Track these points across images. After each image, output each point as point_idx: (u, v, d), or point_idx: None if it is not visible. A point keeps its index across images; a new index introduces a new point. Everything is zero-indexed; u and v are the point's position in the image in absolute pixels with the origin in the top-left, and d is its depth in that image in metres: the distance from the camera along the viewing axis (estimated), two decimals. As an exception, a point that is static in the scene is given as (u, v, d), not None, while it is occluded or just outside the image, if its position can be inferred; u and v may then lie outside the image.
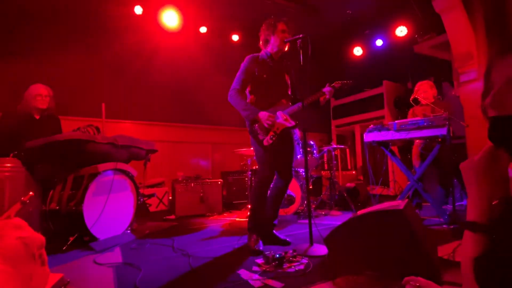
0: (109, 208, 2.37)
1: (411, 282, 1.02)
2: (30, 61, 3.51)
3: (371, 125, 3.02)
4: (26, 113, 2.60)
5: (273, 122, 2.09)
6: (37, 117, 2.65)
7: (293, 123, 2.17)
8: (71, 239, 2.16)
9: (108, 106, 3.09)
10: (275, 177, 2.27)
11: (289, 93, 2.34)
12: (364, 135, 3.06)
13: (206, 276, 1.58)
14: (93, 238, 2.23)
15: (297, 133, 3.67)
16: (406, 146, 3.47)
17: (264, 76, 2.22)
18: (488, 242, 0.64)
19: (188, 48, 4.74)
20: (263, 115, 2.08)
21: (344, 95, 5.96)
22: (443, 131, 2.51)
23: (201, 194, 3.67)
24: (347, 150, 5.71)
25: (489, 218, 0.66)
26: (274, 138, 2.10)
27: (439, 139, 2.62)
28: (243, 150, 3.56)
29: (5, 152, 2.33)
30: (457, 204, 3.21)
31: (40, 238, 0.31)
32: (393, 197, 4.31)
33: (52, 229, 2.26)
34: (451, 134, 2.59)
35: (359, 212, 1.68)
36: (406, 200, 1.67)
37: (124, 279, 1.56)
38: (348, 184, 3.98)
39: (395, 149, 3.92)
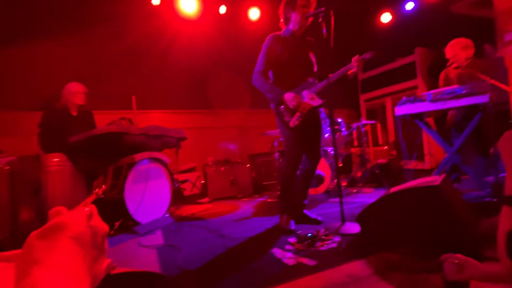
0: (147, 194, 2.53)
1: (449, 259, 1.00)
2: (60, 59, 3.71)
3: (403, 97, 2.86)
4: (65, 110, 2.79)
5: (299, 103, 2.05)
6: (74, 113, 2.83)
7: (319, 101, 2.11)
8: (117, 224, 2.35)
9: (138, 98, 3.21)
10: (303, 158, 2.26)
11: (315, 70, 2.27)
12: (396, 108, 2.91)
13: (240, 256, 1.66)
14: (136, 223, 2.40)
15: (324, 111, 3.58)
16: (442, 117, 3.26)
17: (287, 55, 2.16)
18: None
19: (210, 32, 4.72)
20: (288, 96, 2.05)
21: (372, 67, 5.65)
22: (484, 99, 2.31)
23: (232, 177, 3.78)
24: (378, 125, 5.48)
25: None
26: (300, 119, 2.07)
27: (480, 108, 2.43)
28: (269, 131, 3.56)
29: (50, 147, 2.55)
30: (500, 175, 3.01)
31: (105, 227, 0.35)
32: (428, 171, 4.12)
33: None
34: (493, 101, 2.39)
35: (393, 189, 1.64)
36: (443, 174, 1.60)
37: (167, 259, 1.69)
38: (380, 160, 3.86)
39: (430, 120, 3.70)
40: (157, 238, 2.14)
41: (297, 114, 2.07)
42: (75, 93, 2.77)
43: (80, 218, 0.34)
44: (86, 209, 0.38)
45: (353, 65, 2.08)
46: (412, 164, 4.31)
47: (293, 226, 2.09)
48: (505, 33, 3.27)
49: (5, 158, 2.12)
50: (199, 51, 4.64)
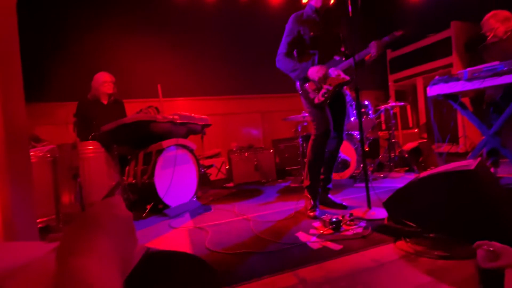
0: (176, 179, 2.64)
1: (483, 247, 0.96)
2: (91, 50, 3.86)
3: (436, 76, 2.69)
4: (96, 100, 2.93)
5: (324, 74, 1.98)
6: (105, 102, 2.97)
7: (347, 78, 2.03)
8: (148, 207, 2.48)
9: (163, 86, 3.29)
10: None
11: (342, 49, 2.18)
12: (428, 88, 2.75)
13: (266, 238, 1.70)
14: (166, 206, 2.53)
15: (349, 93, 3.46)
16: (479, 97, 3.03)
17: (312, 34, 2.09)
18: None
19: (230, 18, 4.67)
20: (312, 70, 1.99)
21: (402, 44, 5.32)
22: (529, 76, 2.11)
23: (255, 162, 3.82)
24: (408, 106, 5.22)
25: None
26: (326, 95, 2.01)
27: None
28: (292, 116, 3.53)
29: (85, 135, 2.71)
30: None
31: (129, 213, 0.39)
32: (463, 155, 3.90)
33: (132, 199, 2.62)
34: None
35: (423, 174, 1.58)
36: (479, 158, 1.51)
37: (195, 240, 1.78)
38: (410, 144, 3.70)
39: (466, 100, 3.46)
40: (186, 221, 2.25)
41: (323, 90, 2.02)
42: (103, 82, 2.89)
43: (105, 209, 0.37)
44: (114, 198, 0.41)
45: (370, 50, 1.97)
46: (445, 148, 4.09)
47: (318, 212, 2.06)
48: (557, 0, 2.93)
49: (47, 146, 2.29)
50: (222, 37, 4.62)
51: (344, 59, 2.10)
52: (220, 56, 4.64)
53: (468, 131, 4.13)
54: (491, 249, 0.90)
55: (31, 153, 2.23)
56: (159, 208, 2.55)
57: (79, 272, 0.26)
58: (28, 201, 1.12)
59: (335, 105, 2.15)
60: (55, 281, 0.25)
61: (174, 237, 1.90)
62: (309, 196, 2.14)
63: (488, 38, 2.67)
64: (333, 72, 2.03)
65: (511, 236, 1.21)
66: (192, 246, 1.70)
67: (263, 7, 4.82)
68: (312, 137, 2.14)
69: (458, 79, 2.52)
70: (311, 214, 2.02)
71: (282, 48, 2.14)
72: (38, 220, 2.19)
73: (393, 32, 1.96)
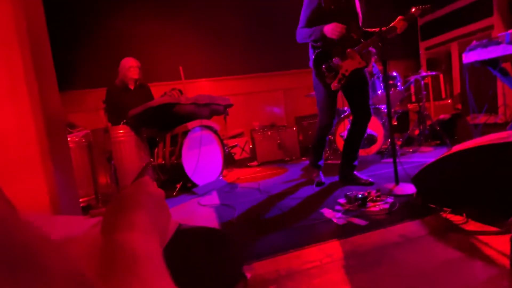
0: (202, 159, 2.72)
1: (520, 221, 0.92)
2: (115, 36, 3.95)
3: (474, 41, 2.47)
4: (123, 85, 3.03)
5: (341, 32, 1.91)
6: (132, 87, 3.07)
7: (364, 63, 1.97)
8: (178, 186, 2.61)
9: (185, 68, 3.32)
10: (351, 118, 2.21)
11: (360, 25, 2.07)
12: (464, 55, 2.54)
13: (291, 215, 1.73)
14: (194, 185, 2.64)
15: (375, 65, 3.29)
16: (524, 61, 2.75)
17: (332, 7, 1.99)
18: None
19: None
20: (328, 27, 1.91)
21: (435, 8, 4.87)
22: None
23: (279, 141, 3.82)
24: (441, 76, 4.87)
25: None
26: (342, 82, 1.97)
27: None
28: (314, 92, 3.43)
29: (115, 120, 2.84)
30: None
31: (161, 191, 0.42)
32: (502, 125, 3.63)
33: (162, 178, 2.76)
34: None
35: (456, 148, 1.50)
36: (520, 129, 1.40)
37: (223, 216, 1.85)
38: (442, 116, 3.50)
39: (507, 66, 3.16)
40: (214, 198, 2.34)
41: (339, 76, 1.97)
42: (129, 67, 2.97)
43: (139, 188, 0.40)
44: (145, 178, 0.44)
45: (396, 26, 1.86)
46: (482, 119, 3.83)
47: (323, 178, 2.32)
48: None
49: (82, 132, 2.44)
50: (241, 15, 4.51)
51: (361, 39, 2.04)
52: (240, 34, 4.55)
53: (509, 99, 3.81)
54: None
55: (68, 139, 2.39)
56: (188, 187, 2.67)
57: (126, 245, 0.28)
58: (70, 183, 1.22)
59: (354, 85, 2.09)
60: (103, 254, 0.28)
61: (203, 214, 1.99)
62: (314, 167, 2.41)
63: None
64: (351, 55, 1.98)
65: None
66: (220, 222, 1.78)
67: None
68: (317, 125, 2.29)
69: (499, 43, 2.30)
70: (318, 181, 2.28)
71: (302, 22, 2.10)
72: (80, 200, 2.39)
73: (421, 6, 1.83)
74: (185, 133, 2.62)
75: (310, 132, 4.28)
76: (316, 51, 2.07)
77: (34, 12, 1.11)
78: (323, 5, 1.99)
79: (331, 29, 1.89)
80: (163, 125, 2.78)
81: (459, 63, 4.64)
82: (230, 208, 2.01)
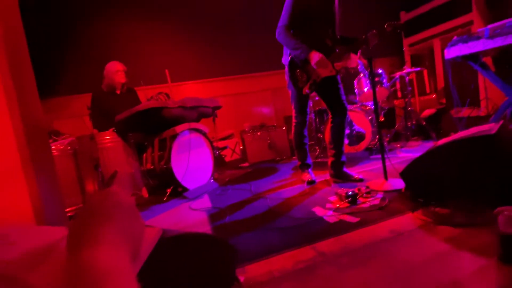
0: (192, 162, 2.69)
1: (505, 212, 0.95)
2: (100, 41, 3.87)
3: (454, 37, 2.53)
4: (110, 90, 2.97)
5: (326, 67, 1.99)
6: (118, 92, 3.01)
7: (334, 72, 2.07)
8: (168, 191, 2.57)
9: (171, 70, 3.28)
10: (329, 115, 2.29)
11: (336, 30, 2.12)
12: (446, 50, 2.60)
13: (283, 214, 1.73)
14: (185, 189, 2.60)
15: (361, 63, 3.34)
16: (502, 55, 2.84)
17: (312, 8, 2.02)
18: None
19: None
20: (315, 55, 1.95)
21: (417, 4, 4.98)
22: (559, 27, 1.95)
23: (269, 141, 3.82)
24: (425, 71, 4.98)
25: None
26: (313, 88, 2.06)
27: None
28: (304, 91, 3.45)
29: (101, 126, 2.78)
30: None
31: (131, 200, 0.40)
32: (485, 118, 3.73)
33: (152, 184, 2.72)
34: None
35: (441, 141, 1.53)
36: (501, 121, 1.44)
37: (214, 220, 1.84)
38: (427, 111, 3.57)
39: (487, 60, 3.26)
40: (205, 202, 2.32)
41: (311, 81, 2.03)
42: (116, 71, 2.91)
43: (105, 198, 0.39)
44: (112, 188, 0.42)
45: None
46: (465, 112, 3.92)
47: (313, 176, 2.34)
48: None
49: (67, 139, 2.38)
50: (227, 15, 4.49)
51: (336, 45, 2.13)
52: (226, 35, 4.53)
53: (490, 93, 3.92)
54: (513, 214, 0.88)
55: (53, 147, 2.33)
56: (179, 191, 2.63)
57: (90, 263, 0.27)
58: (55, 192, 1.18)
59: (326, 88, 2.17)
60: (67, 274, 0.27)
61: (194, 218, 1.97)
62: (303, 168, 2.44)
63: None
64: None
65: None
66: (212, 225, 1.76)
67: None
68: (293, 123, 2.38)
69: (478, 38, 2.37)
70: (309, 180, 2.28)
71: (284, 19, 2.07)
72: (67, 209, 2.33)
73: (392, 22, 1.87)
74: (174, 137, 2.58)
75: (299, 131, 4.30)
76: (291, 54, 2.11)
77: (10, 17, 1.07)
78: (305, 7, 2.01)
79: (318, 61, 1.94)
80: (151, 130, 2.74)
81: (442, 59, 4.75)
82: (222, 211, 1.99)
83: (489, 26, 2.28)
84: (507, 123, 1.49)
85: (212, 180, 2.92)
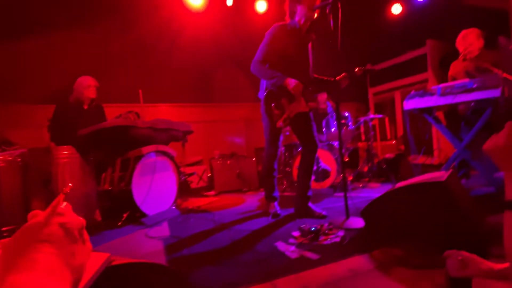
0: (154, 186, 2.57)
1: (453, 256, 1.00)
2: (70, 53, 3.76)
3: (412, 91, 2.81)
4: (77, 103, 2.84)
5: (300, 91, 2.08)
6: (86, 107, 2.88)
7: (307, 109, 2.20)
8: (125, 215, 2.40)
9: (145, 91, 3.23)
10: (301, 150, 2.36)
11: (311, 70, 2.28)
12: (404, 102, 2.86)
13: (245, 248, 1.68)
14: (143, 214, 2.45)
15: (330, 105, 3.55)
16: (452, 111, 3.19)
17: (292, 48, 2.15)
18: None
19: (217, 25, 4.69)
20: (291, 81, 2.06)
21: (382, 60, 5.54)
22: (496, 93, 2.25)
23: (238, 171, 3.80)
24: (386, 119, 5.40)
25: None
26: (287, 122, 2.14)
27: (491, 102, 2.37)
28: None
29: (61, 140, 2.60)
30: None
31: (80, 221, 0.37)
32: (437, 166, 4.06)
33: (108, 207, 2.53)
34: (506, 95, 2.32)
35: (398, 185, 1.63)
36: (450, 170, 1.57)
37: (172, 250, 1.73)
38: (388, 155, 3.81)
39: (440, 114, 3.62)
40: (164, 230, 2.18)
41: (284, 116, 2.13)
42: (87, 86, 2.82)
43: (48, 220, 0.36)
44: (60, 207, 0.39)
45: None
46: (421, 159, 4.25)
47: (278, 209, 2.33)
48: (520, 25, 3.16)
49: (17, 150, 2.18)
50: (206, 45, 4.63)
51: (309, 84, 2.26)
52: (205, 63, 4.64)
53: (442, 144, 4.33)
54: (460, 258, 0.93)
55: (0, 157, 2.11)
56: (136, 217, 2.47)
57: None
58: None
59: (299, 124, 2.27)
60: None
61: (150, 247, 1.84)
62: (269, 200, 2.42)
63: (463, 53, 2.82)
64: (297, 99, 2.17)
65: (479, 246, 1.27)
66: (168, 256, 1.65)
67: (248, 15, 4.88)
68: (264, 155, 2.40)
69: (432, 94, 2.65)
70: (274, 213, 2.27)
71: (260, 55, 2.18)
72: (5, 228, 2.07)
73: (363, 67, 2.11)
74: (138, 158, 2.48)
75: (268, 164, 4.34)
76: (268, 89, 2.20)
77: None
78: (284, 44, 2.15)
79: (295, 86, 2.06)
80: (114, 148, 2.61)
81: (402, 109, 5.22)
82: (181, 241, 1.89)
83: (441, 85, 2.57)
84: (455, 172, 1.64)
85: (174, 207, 2.79)
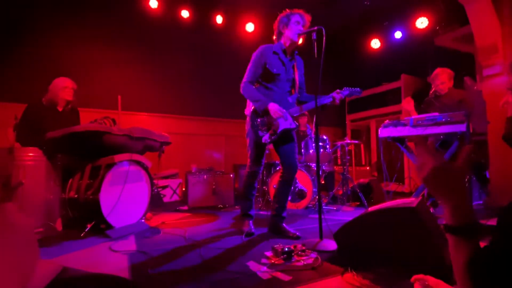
0: (124, 197, 2.45)
1: (420, 281, 1.01)
2: (47, 54, 3.63)
3: (387, 120, 2.95)
4: (51, 105, 2.70)
5: (280, 116, 2.11)
6: (60, 109, 2.75)
7: (294, 125, 2.22)
8: (89, 226, 2.25)
9: (124, 98, 3.16)
10: (281, 170, 2.35)
11: (296, 91, 2.34)
12: (379, 130, 2.99)
13: (215, 267, 1.61)
14: (109, 226, 2.31)
15: (309, 127, 3.63)
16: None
17: (275, 70, 2.21)
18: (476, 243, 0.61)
19: (203, 40, 4.76)
20: (273, 106, 2.09)
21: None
22: (462, 128, 2.42)
23: (214, 186, 3.72)
24: (362, 145, 5.60)
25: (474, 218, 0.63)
26: (272, 137, 2.14)
27: (458, 136, 2.53)
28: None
29: (28, 141, 2.44)
30: (474, 203, 3.11)
31: (29, 222, 0.33)
32: (408, 194, 4.21)
33: (71, 216, 2.36)
34: (471, 131, 2.49)
35: (371, 209, 1.66)
36: (420, 197, 1.63)
37: (137, 266, 1.62)
38: (362, 180, 3.92)
39: (411, 145, 3.81)
40: (130, 244, 2.06)
41: (271, 131, 2.14)
42: (64, 88, 2.71)
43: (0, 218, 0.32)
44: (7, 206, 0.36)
45: (334, 97, 2.20)
46: (392, 186, 4.40)
47: (253, 229, 2.28)
48: (484, 68, 3.48)
49: (-25, 148, 2.01)
50: (190, 58, 4.65)
51: (295, 103, 2.33)
52: (187, 74, 4.64)
53: (413, 173, 4.52)
54: (427, 283, 0.94)
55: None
56: (101, 228, 2.32)
57: None
58: None
59: (283, 141, 2.28)
60: None
61: (112, 262, 1.72)
62: (245, 218, 2.37)
63: (433, 90, 3.03)
64: (285, 116, 2.19)
65: (445, 271, 1.30)
66: (132, 272, 1.54)
67: (235, 32, 5.00)
68: (246, 172, 2.37)
69: (405, 125, 2.80)
70: (248, 232, 2.22)
71: (247, 76, 2.24)
72: None
73: (353, 88, 2.22)
74: (110, 166, 2.36)
75: (245, 181, 4.31)
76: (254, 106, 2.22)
77: None
78: (268, 66, 2.21)
79: (274, 111, 2.09)
80: (85, 154, 2.48)
81: (376, 137, 5.45)
82: (147, 256, 1.78)
83: (413, 116, 2.73)
84: (424, 200, 1.70)
85: (143, 220, 2.65)
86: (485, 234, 0.63)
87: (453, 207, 0.65)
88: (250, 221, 2.37)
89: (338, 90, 2.23)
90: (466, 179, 2.71)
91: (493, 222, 2.41)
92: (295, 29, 2.17)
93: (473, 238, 0.62)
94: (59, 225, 2.30)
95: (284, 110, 2.15)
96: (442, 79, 3.00)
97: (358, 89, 2.32)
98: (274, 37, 2.31)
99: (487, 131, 3.30)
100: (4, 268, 0.26)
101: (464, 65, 4.31)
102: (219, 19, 4.77)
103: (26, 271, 0.31)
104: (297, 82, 2.34)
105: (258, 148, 2.28)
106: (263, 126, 2.17)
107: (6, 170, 2.24)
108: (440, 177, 0.65)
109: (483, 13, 3.28)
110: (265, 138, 2.14)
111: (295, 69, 2.33)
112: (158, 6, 4.28)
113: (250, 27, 5.00)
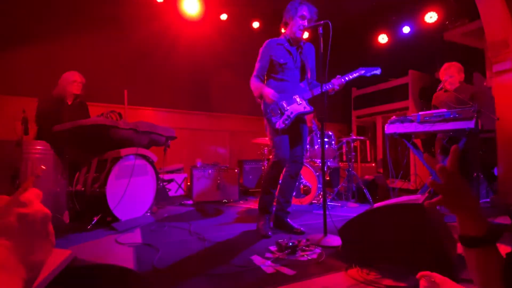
0: (130, 191, 2.47)
1: (425, 278, 1.00)
2: (57, 48, 3.65)
3: (394, 117, 2.92)
4: (60, 98, 2.73)
5: (274, 102, 2.10)
6: (69, 102, 2.78)
7: (308, 108, 2.17)
8: (95, 219, 2.28)
9: (130, 93, 3.17)
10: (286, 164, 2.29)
11: (308, 76, 2.30)
12: (386, 126, 2.96)
13: (219, 260, 1.62)
14: (115, 219, 2.34)
15: (315, 123, 3.61)
16: (429, 139, 3.32)
17: (281, 60, 2.21)
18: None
19: (209, 36, 4.74)
20: (266, 91, 2.08)
21: (366, 85, 5.76)
22: (470, 124, 2.38)
23: (218, 181, 3.74)
24: (367, 141, 5.56)
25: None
26: (286, 122, 2.11)
27: (466, 133, 2.49)
28: (260, 139, 3.56)
29: (41, 135, 2.48)
30: (482, 201, 3.07)
31: (43, 213, 0.33)
32: (413, 191, 4.18)
33: (78, 208, 2.39)
34: (480, 127, 2.45)
35: (376, 205, 1.65)
36: (426, 194, 1.62)
37: (142, 258, 1.64)
38: (367, 177, 3.89)
39: (418, 142, 3.77)
40: (136, 237, 2.09)
41: (284, 116, 2.10)
42: (73, 82, 2.74)
43: (7, 210, 0.32)
44: (24, 195, 0.36)
45: (334, 85, 2.12)
46: (398, 183, 4.36)
47: (270, 231, 2.12)
48: (493, 64, 3.40)
49: (-16, 141, 2.05)
50: (198, 53, 4.65)
51: (308, 87, 2.24)
52: (195, 71, 4.64)
53: (419, 169, 4.47)
54: (432, 280, 0.94)
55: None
56: (108, 221, 2.35)
57: None
58: None
59: (295, 129, 2.25)
60: None
61: (118, 254, 1.74)
62: (263, 213, 2.21)
63: (442, 85, 2.97)
64: (297, 100, 2.14)
65: (451, 269, 1.29)
66: (138, 264, 1.56)
67: (240, 27, 4.97)
68: (270, 162, 2.23)
69: (412, 121, 2.76)
70: (264, 234, 2.07)
71: (255, 70, 2.26)
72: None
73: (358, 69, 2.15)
74: (116, 160, 2.39)
75: (251, 177, 4.32)
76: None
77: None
78: (274, 58, 2.20)
79: (266, 95, 2.08)
80: (92, 148, 2.51)
81: (382, 134, 5.40)
82: (153, 249, 1.80)
83: (421, 112, 2.69)
84: (431, 196, 1.68)
85: (148, 214, 2.68)
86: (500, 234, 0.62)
87: (471, 218, 0.65)
88: (268, 218, 2.22)
89: (338, 76, 2.15)
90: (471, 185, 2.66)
91: (500, 220, 2.38)
92: (299, 24, 2.15)
93: (496, 243, 0.62)
94: (66, 218, 2.34)
95: (293, 98, 2.13)
96: (450, 72, 2.95)
97: (377, 68, 2.15)
98: (281, 25, 2.31)
99: (495, 128, 3.25)
100: (18, 254, 0.27)
101: (473, 61, 4.24)
102: (223, 16, 4.74)
103: (38, 264, 0.31)
104: (308, 68, 2.32)
105: (279, 134, 2.17)
106: (275, 112, 2.15)
107: (13, 162, 2.28)
108: (449, 198, 0.65)
109: (494, 8, 3.20)
110: (279, 123, 2.11)
111: (303, 55, 2.31)
112: (164, 0, 4.27)
113: (256, 24, 4.98)
